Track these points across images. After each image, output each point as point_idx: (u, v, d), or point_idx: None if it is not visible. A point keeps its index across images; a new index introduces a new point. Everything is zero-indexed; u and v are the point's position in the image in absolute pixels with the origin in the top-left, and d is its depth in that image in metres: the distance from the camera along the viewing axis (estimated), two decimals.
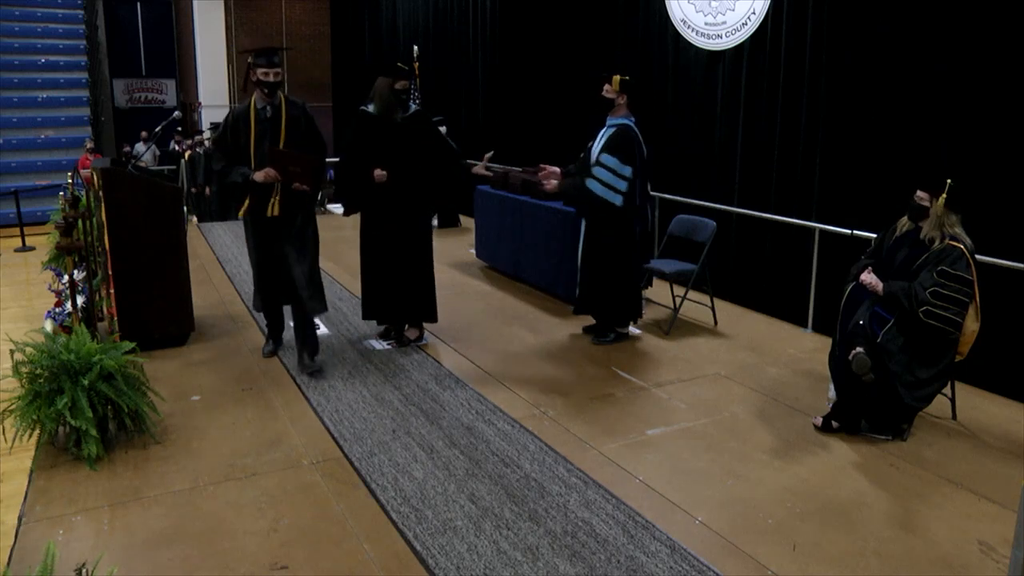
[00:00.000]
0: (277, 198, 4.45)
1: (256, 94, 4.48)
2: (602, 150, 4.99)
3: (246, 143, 4.46)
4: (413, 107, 5.00)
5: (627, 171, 4.90)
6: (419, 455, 3.64)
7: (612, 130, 5.02)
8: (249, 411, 4.14)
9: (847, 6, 5.29)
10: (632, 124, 5.03)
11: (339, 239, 8.79)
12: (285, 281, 4.60)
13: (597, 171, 4.94)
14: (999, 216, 4.37)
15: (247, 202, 4.50)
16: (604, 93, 5.05)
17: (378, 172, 4.76)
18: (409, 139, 4.84)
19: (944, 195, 3.72)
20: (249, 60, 4.44)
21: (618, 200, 4.90)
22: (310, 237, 4.62)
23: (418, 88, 10.12)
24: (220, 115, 15.68)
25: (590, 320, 5.51)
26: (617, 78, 5.02)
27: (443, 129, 9.54)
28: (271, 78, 4.41)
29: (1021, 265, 4.27)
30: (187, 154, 11.65)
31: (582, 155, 5.21)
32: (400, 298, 5.05)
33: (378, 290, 5.04)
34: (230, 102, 16.63)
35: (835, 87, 5.41)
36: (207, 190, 10.75)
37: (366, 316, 5.17)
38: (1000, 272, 4.30)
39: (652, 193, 6.75)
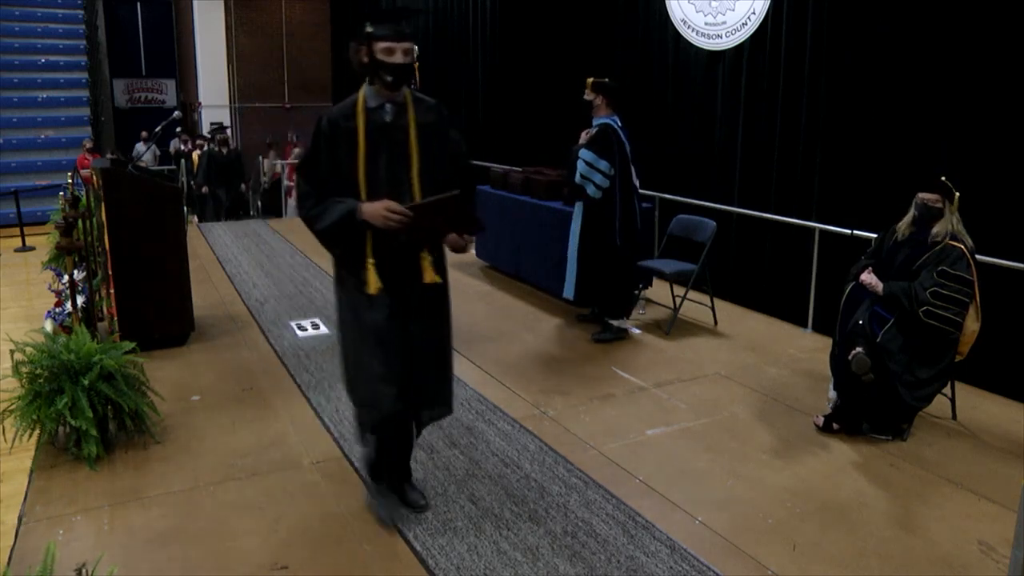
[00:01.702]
0: (430, 259, 2.85)
1: (367, 87, 2.82)
2: (584, 146, 5.21)
3: (351, 164, 2.77)
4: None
5: (603, 165, 5.09)
6: (419, 455, 3.63)
7: (595, 130, 5.20)
8: (249, 411, 4.14)
9: (847, 6, 5.29)
10: (612, 122, 5.18)
11: None
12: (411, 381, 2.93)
13: (578, 164, 5.19)
14: (999, 216, 4.37)
15: (370, 264, 2.76)
16: (584, 96, 5.26)
17: None
18: None
19: (958, 195, 3.75)
20: (366, 29, 2.75)
21: (590, 188, 5.14)
22: (447, 307, 3.02)
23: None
24: (220, 115, 15.46)
25: (583, 310, 5.76)
26: (590, 80, 5.24)
27: None
28: (400, 58, 2.73)
29: (1021, 265, 4.27)
30: (195, 154, 11.66)
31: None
32: None
33: None
34: (230, 102, 16.58)
35: (835, 87, 5.41)
36: (204, 189, 10.75)
37: None
38: (1000, 272, 4.30)
39: (652, 193, 6.79)
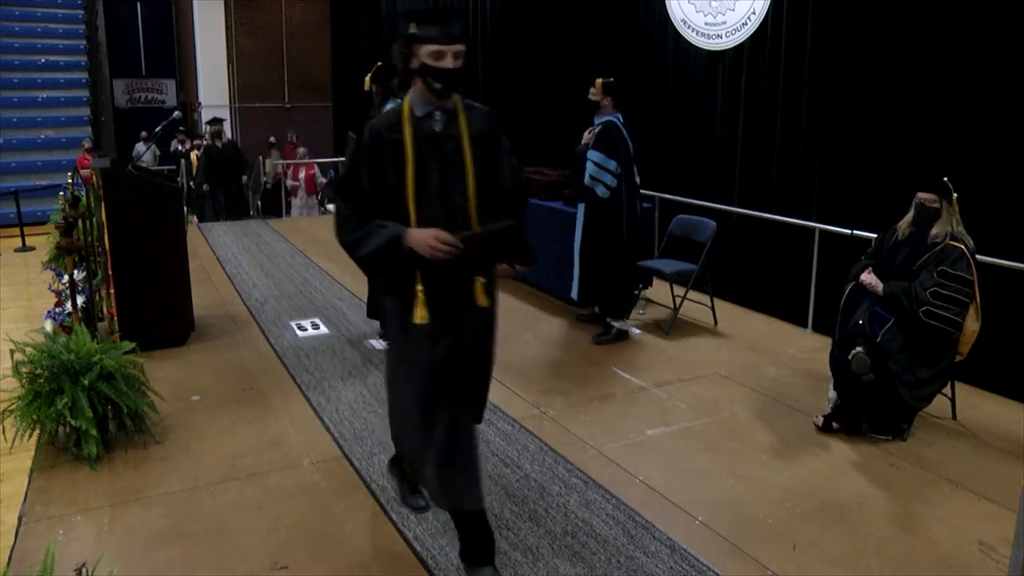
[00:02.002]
0: (482, 282, 2.58)
1: (414, 93, 2.53)
2: (591, 147, 5.16)
3: (398, 181, 2.48)
4: (388, 107, 4.92)
5: (612, 165, 5.06)
6: None
7: (599, 128, 5.17)
8: (249, 411, 4.14)
9: (847, 6, 5.29)
10: (616, 120, 5.15)
11: None
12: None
13: (587, 165, 5.14)
14: (999, 216, 4.37)
15: (419, 292, 2.47)
16: (590, 96, 5.21)
17: None
18: None
19: (956, 195, 3.74)
20: (411, 31, 2.45)
21: (600, 190, 5.09)
22: (495, 330, 2.76)
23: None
24: (220, 115, 15.41)
25: (583, 310, 5.75)
26: (600, 81, 5.21)
27: None
28: (450, 63, 2.43)
29: (1021, 265, 4.27)
30: (193, 154, 11.60)
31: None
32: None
33: (372, 288, 5.11)
34: (230, 102, 16.59)
35: (835, 87, 5.41)
36: (204, 187, 10.63)
37: (369, 315, 5.21)
38: (1000, 272, 4.30)
39: (652, 193, 6.78)
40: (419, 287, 2.46)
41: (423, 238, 2.38)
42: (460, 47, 2.44)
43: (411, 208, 2.48)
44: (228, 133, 11.74)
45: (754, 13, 6.09)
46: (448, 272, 2.46)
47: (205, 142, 10.94)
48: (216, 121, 10.67)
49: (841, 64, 5.36)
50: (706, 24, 6.52)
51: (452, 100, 2.53)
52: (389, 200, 2.49)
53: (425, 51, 2.42)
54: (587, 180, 5.12)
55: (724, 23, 6.35)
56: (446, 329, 2.54)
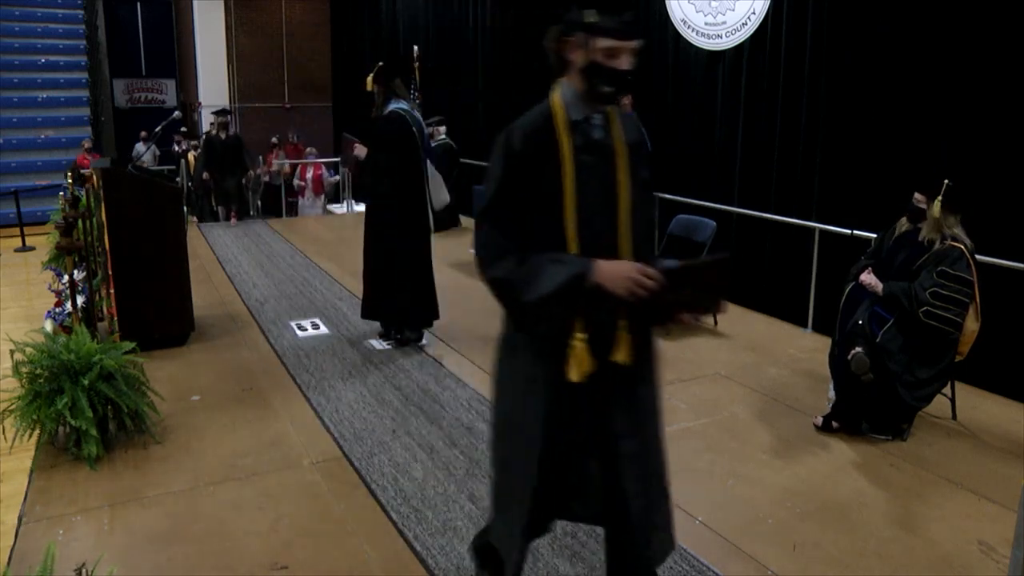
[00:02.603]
0: (626, 331, 2.01)
1: (567, 92, 2.07)
2: None
3: (553, 199, 1.99)
4: (390, 107, 4.91)
5: None
6: (419, 455, 3.64)
7: None
8: (249, 411, 4.13)
9: (847, 6, 5.30)
10: (634, 119, 5.05)
11: (339, 239, 8.79)
12: (592, 487, 2.14)
13: None
14: (999, 216, 4.37)
15: (578, 342, 1.96)
16: None
17: (358, 147, 5.01)
18: (375, 135, 4.98)
19: (940, 197, 3.72)
20: (588, 19, 1.99)
21: None
22: (657, 400, 2.21)
23: (418, 88, 10.10)
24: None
25: None
26: None
27: (442, 128, 9.60)
28: (625, 63, 2.02)
29: (1021, 265, 4.27)
30: (191, 154, 11.54)
31: None
32: (386, 295, 5.03)
33: (370, 288, 5.11)
34: (230, 102, 16.58)
35: (835, 87, 5.41)
36: (204, 175, 10.40)
37: (364, 315, 5.21)
38: (1000, 272, 4.30)
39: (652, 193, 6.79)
40: (579, 336, 1.96)
41: (622, 272, 1.90)
42: (637, 45, 2.03)
43: (571, 233, 1.98)
44: (233, 128, 11.55)
45: (754, 13, 6.09)
46: (643, 316, 2.00)
47: (211, 131, 10.69)
48: (223, 112, 10.48)
49: (841, 64, 5.36)
50: (706, 24, 6.52)
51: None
52: (540, 223, 2.00)
53: (599, 45, 1.98)
54: None
55: (724, 23, 6.36)
56: (592, 393, 2.03)
